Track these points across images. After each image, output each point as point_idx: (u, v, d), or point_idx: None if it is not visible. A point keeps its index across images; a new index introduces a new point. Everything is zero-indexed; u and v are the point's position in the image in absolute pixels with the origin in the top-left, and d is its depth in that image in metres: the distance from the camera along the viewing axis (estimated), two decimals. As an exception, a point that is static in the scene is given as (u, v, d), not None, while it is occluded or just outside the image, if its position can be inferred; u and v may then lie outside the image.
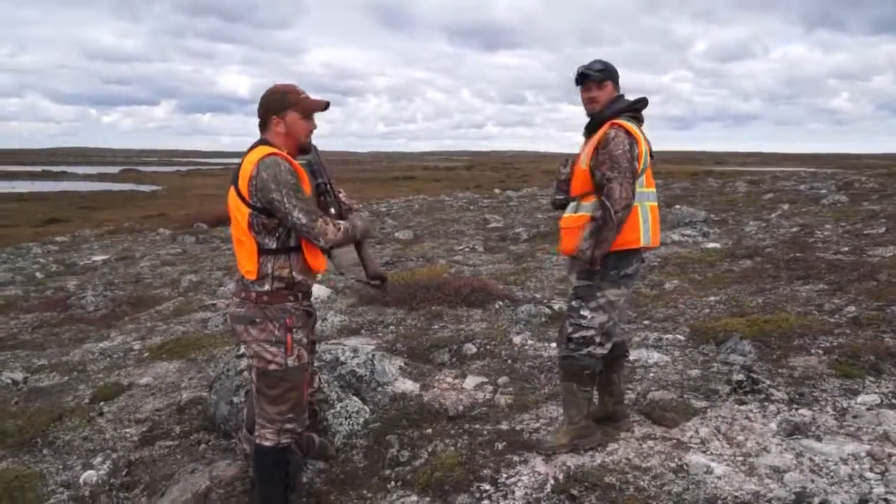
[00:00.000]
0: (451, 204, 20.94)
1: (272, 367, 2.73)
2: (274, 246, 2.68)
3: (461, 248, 11.23)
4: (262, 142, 2.76)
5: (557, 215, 3.39)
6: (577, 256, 3.07)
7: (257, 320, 2.71)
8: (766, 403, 3.61)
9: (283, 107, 2.74)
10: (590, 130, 3.18)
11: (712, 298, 6.19)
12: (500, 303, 6.27)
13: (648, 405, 3.70)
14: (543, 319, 5.75)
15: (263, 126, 2.79)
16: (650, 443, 3.26)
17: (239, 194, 2.64)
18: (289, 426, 2.81)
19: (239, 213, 2.66)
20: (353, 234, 2.79)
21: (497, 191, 27.01)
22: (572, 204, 3.19)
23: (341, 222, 2.74)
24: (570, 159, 3.26)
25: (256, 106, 2.81)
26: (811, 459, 3.00)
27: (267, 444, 2.80)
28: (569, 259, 3.26)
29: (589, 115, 3.17)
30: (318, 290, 7.04)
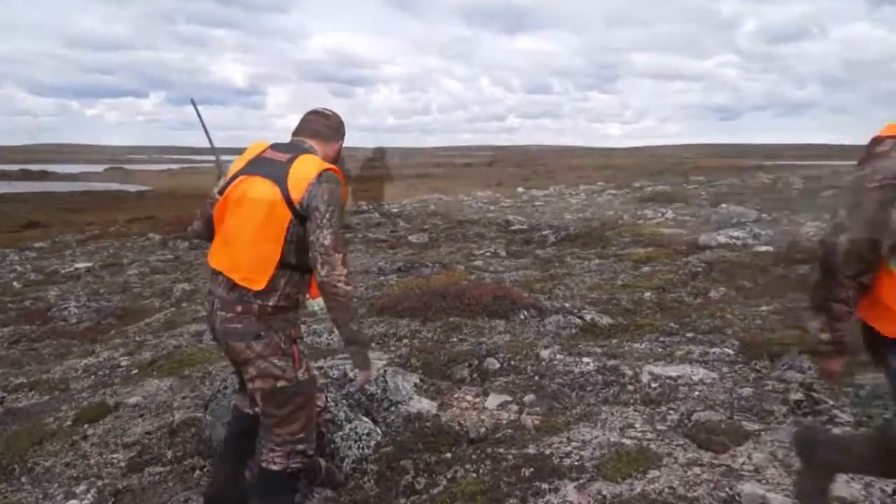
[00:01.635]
0: (469, 204, 20.97)
1: (281, 383, 2.75)
2: (294, 261, 2.71)
3: (481, 252, 11.23)
4: (310, 151, 2.83)
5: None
6: None
7: (262, 334, 2.71)
8: (829, 426, 3.56)
9: (342, 136, 3.04)
10: None
11: (764, 308, 6.13)
12: (526, 313, 6.25)
13: (693, 427, 3.67)
14: (574, 331, 5.72)
15: (325, 139, 2.93)
16: (696, 469, 3.22)
17: (286, 197, 2.63)
18: (300, 447, 2.85)
19: (275, 215, 2.65)
20: (351, 305, 2.78)
21: (520, 189, 27.01)
22: None
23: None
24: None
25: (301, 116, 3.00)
26: (882, 490, 2.96)
27: (275, 468, 2.82)
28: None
29: None
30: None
